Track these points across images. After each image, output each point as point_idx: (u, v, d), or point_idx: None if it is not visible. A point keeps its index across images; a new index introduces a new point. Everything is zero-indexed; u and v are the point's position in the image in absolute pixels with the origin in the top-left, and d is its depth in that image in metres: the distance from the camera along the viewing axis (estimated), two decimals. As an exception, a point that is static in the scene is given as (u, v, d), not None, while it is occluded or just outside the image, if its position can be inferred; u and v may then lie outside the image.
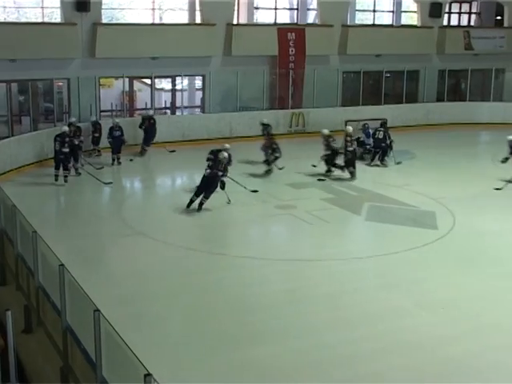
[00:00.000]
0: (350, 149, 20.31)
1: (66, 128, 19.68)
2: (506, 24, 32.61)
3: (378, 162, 22.17)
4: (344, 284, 12.78)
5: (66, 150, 19.21)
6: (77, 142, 20.22)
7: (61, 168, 19.28)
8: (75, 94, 24.14)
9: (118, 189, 19.98)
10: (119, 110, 24.74)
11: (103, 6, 25.40)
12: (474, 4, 33.72)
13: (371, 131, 22.68)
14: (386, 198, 18.30)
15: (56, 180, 19.20)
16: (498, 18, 33.80)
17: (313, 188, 19.42)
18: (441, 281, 12.92)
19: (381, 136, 22.06)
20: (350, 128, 21.08)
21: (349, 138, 20.42)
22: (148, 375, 6.47)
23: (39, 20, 25.22)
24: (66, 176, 19.35)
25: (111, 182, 19.72)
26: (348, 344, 10.28)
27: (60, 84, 24.80)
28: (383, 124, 22.66)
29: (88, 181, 19.66)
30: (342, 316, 11.31)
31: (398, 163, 22.14)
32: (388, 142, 22.04)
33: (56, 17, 25.85)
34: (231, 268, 13.57)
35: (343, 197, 18.74)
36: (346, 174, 20.27)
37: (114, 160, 21.74)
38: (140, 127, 23.12)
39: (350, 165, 20.33)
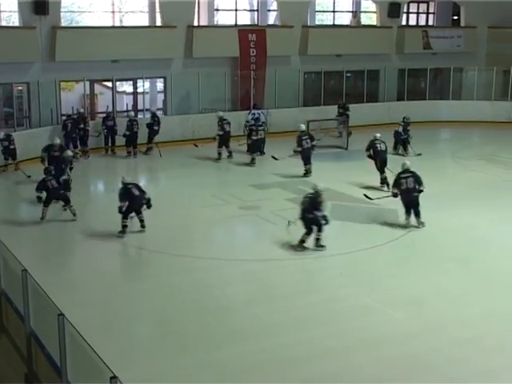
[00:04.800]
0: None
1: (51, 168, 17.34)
2: (462, 23, 32.95)
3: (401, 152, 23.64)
4: (308, 282, 12.95)
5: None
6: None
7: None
8: (35, 98, 23.85)
9: (80, 192, 19.77)
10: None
11: (62, 9, 25.13)
12: (432, 4, 34.08)
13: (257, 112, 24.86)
14: (349, 197, 18.43)
15: (42, 219, 16.32)
16: (455, 17, 34.16)
17: (276, 188, 19.48)
18: (404, 278, 13.06)
19: (400, 130, 23.62)
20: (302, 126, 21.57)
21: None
22: (113, 378, 6.48)
23: (-3, 24, 24.91)
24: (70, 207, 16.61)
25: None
26: (312, 342, 10.35)
27: (20, 88, 24.46)
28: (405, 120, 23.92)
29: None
30: (307, 314, 11.36)
31: (418, 155, 23.05)
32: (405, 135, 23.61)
33: (14, 20, 25.51)
34: (195, 270, 13.55)
35: (307, 196, 18.81)
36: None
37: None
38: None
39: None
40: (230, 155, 22.84)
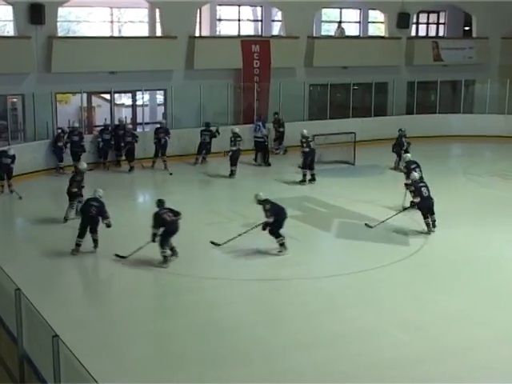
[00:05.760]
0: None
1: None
2: (474, 34, 32.49)
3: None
4: (314, 303, 12.52)
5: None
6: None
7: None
8: (30, 111, 23.36)
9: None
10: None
11: (59, 19, 24.73)
12: (442, 14, 33.62)
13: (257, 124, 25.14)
14: (356, 214, 17.95)
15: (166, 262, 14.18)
16: (467, 28, 33.73)
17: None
18: (412, 298, 12.79)
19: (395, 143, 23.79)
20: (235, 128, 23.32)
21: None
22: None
23: (-9, 33, 24.50)
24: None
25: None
26: (318, 365, 10.10)
27: (14, 100, 24.05)
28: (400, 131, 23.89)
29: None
30: (313, 337, 11.11)
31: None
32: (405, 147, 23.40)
33: (9, 30, 25.13)
34: (196, 289, 13.23)
35: (312, 214, 18.41)
36: None
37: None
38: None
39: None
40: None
